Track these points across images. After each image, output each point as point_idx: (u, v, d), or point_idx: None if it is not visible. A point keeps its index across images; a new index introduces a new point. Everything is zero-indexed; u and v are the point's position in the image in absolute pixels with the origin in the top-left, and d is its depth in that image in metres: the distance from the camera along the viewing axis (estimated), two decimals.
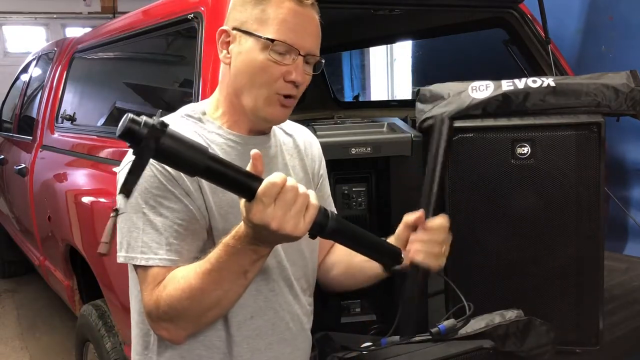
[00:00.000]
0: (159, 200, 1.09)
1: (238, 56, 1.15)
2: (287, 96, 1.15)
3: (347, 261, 1.36)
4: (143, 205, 1.09)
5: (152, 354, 1.20)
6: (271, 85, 1.13)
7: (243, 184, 0.94)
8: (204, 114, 1.22)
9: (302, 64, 1.14)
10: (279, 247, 1.20)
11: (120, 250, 1.12)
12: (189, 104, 1.26)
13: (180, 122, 1.19)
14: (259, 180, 0.94)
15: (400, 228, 1.26)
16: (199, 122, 1.20)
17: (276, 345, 1.23)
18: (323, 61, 1.19)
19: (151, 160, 1.08)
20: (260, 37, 1.11)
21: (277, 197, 0.93)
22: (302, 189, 0.97)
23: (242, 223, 0.99)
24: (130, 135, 0.85)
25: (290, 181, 0.95)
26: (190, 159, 0.90)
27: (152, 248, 1.08)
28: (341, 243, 1.14)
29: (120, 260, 1.12)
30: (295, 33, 1.12)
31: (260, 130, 1.23)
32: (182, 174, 1.09)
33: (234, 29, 1.16)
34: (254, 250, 1.00)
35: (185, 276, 1.05)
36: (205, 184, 1.12)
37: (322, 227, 1.02)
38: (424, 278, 1.08)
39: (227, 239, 1.02)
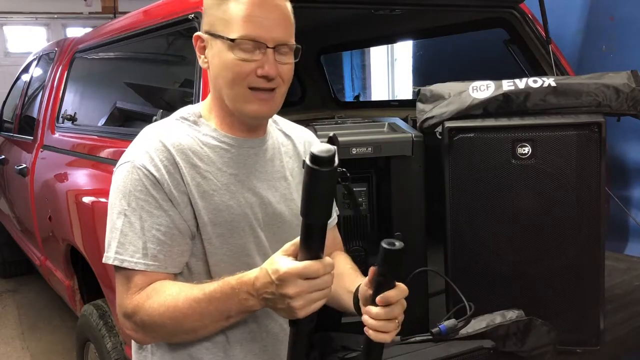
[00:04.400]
0: (141, 203, 1.10)
1: (212, 60, 1.16)
2: (265, 90, 1.13)
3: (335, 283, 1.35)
4: (126, 207, 1.10)
5: (147, 352, 1.22)
6: (242, 81, 1.12)
7: (316, 248, 0.96)
8: (200, 116, 1.22)
9: (273, 56, 1.12)
10: (269, 250, 1.21)
11: (105, 250, 1.14)
12: (186, 107, 1.26)
13: (175, 124, 1.20)
14: (321, 252, 0.96)
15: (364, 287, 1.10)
16: (194, 125, 1.20)
17: (271, 347, 1.23)
18: (299, 47, 1.17)
19: (138, 165, 1.10)
20: (223, 37, 1.11)
21: (317, 276, 0.95)
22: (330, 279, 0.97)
23: (255, 270, 1.01)
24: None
25: (331, 268, 0.96)
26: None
27: (128, 250, 1.09)
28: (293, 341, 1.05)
29: (103, 260, 1.13)
30: (258, 26, 1.10)
31: (255, 128, 1.23)
32: (168, 179, 1.10)
33: (206, 33, 1.16)
34: (247, 301, 1.01)
35: (175, 296, 1.06)
36: (193, 188, 1.13)
37: (308, 322, 1.00)
38: (378, 347, 1.03)
39: (230, 279, 1.03)
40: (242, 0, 1.10)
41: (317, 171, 0.88)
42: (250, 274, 1.01)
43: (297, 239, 0.97)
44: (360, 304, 1.11)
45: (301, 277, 0.94)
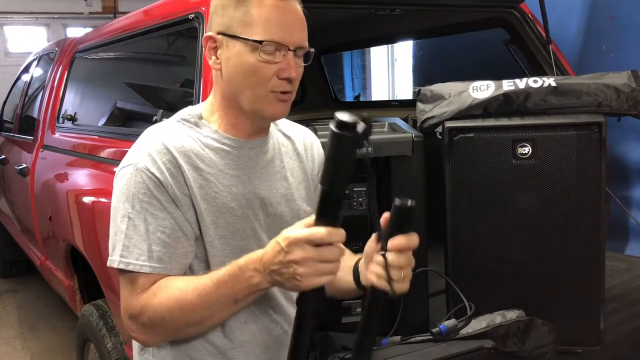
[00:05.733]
0: (145, 206, 1.10)
1: (228, 61, 1.14)
2: (283, 92, 1.15)
3: None
4: (130, 210, 1.10)
5: (149, 354, 1.22)
6: (266, 84, 1.13)
7: (331, 219, 0.95)
8: (201, 118, 1.22)
9: (293, 58, 1.13)
10: None
11: (110, 254, 1.13)
12: (186, 108, 1.26)
13: (176, 126, 1.19)
14: (337, 223, 0.95)
15: (369, 245, 1.10)
16: (195, 127, 1.20)
17: (272, 348, 1.23)
18: (312, 50, 1.18)
19: (141, 167, 1.10)
20: (247, 39, 1.11)
21: (326, 241, 0.94)
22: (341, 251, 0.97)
23: (264, 250, 1.00)
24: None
25: (339, 237, 0.95)
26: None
27: (133, 253, 1.09)
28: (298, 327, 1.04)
29: (108, 263, 1.13)
30: (281, 29, 1.11)
31: (260, 129, 1.23)
32: (171, 181, 1.10)
33: (219, 33, 1.15)
34: (253, 278, 1.01)
35: (183, 288, 1.07)
36: (196, 191, 1.12)
37: (314, 301, 1.00)
38: (381, 303, 1.01)
39: (238, 260, 1.04)
40: (264, 4, 1.10)
41: (339, 136, 0.88)
42: (259, 251, 1.02)
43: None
44: (363, 267, 1.10)
45: (309, 242, 0.93)
